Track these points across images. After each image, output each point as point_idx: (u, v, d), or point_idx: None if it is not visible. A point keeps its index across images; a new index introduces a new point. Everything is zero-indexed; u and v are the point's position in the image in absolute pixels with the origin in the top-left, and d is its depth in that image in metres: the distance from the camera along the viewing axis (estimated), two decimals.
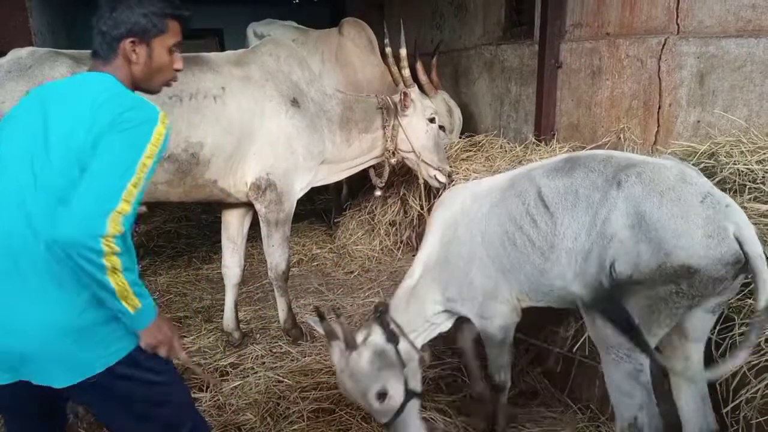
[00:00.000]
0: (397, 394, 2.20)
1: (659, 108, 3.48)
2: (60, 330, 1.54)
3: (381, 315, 2.32)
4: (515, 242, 2.13)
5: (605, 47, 3.84)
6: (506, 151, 4.55)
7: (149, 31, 1.70)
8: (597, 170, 1.97)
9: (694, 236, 1.71)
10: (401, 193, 4.68)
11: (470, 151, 4.72)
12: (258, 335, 3.77)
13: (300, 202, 3.57)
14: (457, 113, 5.15)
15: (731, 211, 1.74)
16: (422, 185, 3.82)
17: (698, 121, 3.32)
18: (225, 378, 3.25)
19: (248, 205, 3.47)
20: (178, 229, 5.96)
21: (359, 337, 2.24)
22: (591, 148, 3.88)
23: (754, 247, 1.68)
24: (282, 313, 3.63)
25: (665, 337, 1.93)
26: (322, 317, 2.21)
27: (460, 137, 4.96)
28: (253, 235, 3.79)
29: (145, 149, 1.51)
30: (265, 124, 3.19)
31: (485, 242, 2.24)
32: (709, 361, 2.06)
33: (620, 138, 3.70)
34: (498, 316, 2.32)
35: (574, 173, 2.02)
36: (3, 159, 1.61)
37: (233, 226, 3.63)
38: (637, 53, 3.58)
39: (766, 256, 1.70)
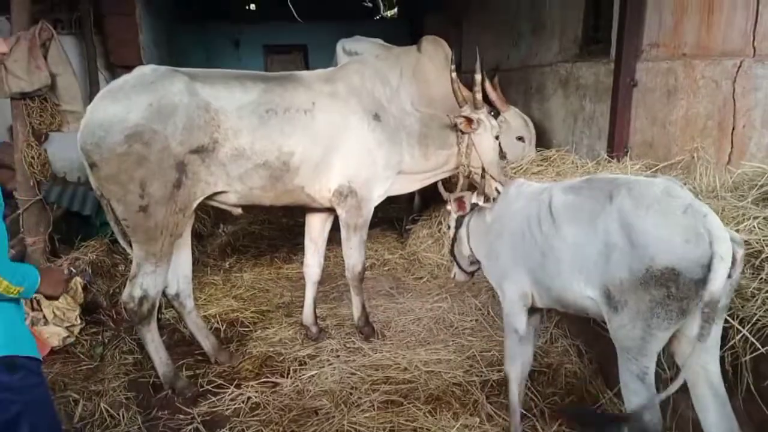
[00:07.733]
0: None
1: (733, 129, 3.49)
2: None
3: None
4: (524, 237, 2.54)
5: (681, 68, 3.88)
6: (578, 166, 4.62)
7: None
8: (599, 188, 2.27)
9: (675, 242, 1.95)
10: None
11: (541, 165, 4.83)
12: (333, 331, 4.06)
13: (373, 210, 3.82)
14: (531, 124, 5.29)
15: (708, 220, 1.94)
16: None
17: None
18: (303, 366, 3.55)
19: (330, 210, 3.77)
20: (261, 231, 6.41)
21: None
22: (664, 166, 3.94)
23: (719, 248, 1.89)
24: (356, 311, 3.92)
25: (680, 347, 2.14)
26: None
27: None
28: (329, 238, 4.09)
29: None
30: (348, 136, 3.48)
31: (510, 228, 2.66)
32: None
33: (694, 157, 3.73)
34: (507, 292, 2.70)
35: (582, 191, 2.35)
36: None
37: (315, 229, 3.96)
38: (713, 75, 3.61)
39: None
